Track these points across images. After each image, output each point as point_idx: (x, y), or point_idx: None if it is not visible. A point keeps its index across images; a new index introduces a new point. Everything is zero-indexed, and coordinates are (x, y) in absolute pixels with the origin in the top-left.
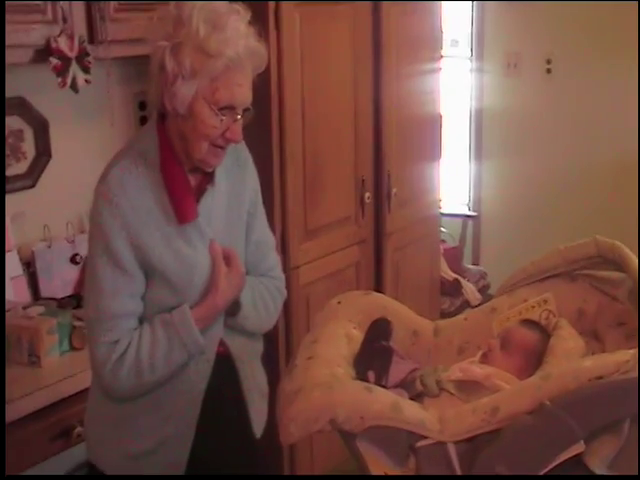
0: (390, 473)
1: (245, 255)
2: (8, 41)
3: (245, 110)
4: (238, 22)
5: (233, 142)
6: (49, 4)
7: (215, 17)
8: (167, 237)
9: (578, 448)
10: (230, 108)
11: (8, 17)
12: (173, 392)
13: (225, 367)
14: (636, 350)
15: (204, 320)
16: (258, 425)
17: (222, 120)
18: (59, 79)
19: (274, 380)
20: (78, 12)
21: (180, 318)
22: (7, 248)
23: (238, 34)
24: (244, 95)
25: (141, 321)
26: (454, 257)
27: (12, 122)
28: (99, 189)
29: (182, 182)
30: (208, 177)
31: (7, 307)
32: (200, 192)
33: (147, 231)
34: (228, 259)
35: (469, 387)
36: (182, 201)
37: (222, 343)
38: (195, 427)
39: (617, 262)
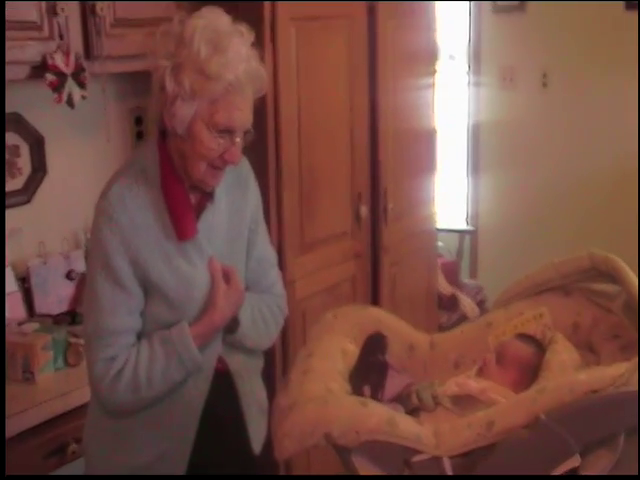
0: None
1: (246, 271)
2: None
3: (246, 132)
4: (240, 45)
5: (231, 164)
6: (45, 20)
7: (217, 39)
8: (166, 254)
9: (574, 462)
10: (229, 131)
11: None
12: (171, 408)
13: (224, 384)
14: (631, 363)
15: (202, 337)
16: (257, 442)
17: (220, 143)
18: (55, 95)
19: (271, 395)
20: (74, 28)
21: (178, 335)
22: None
23: (239, 57)
24: (243, 118)
25: (139, 337)
26: (451, 271)
27: (8, 138)
28: (99, 205)
29: (182, 199)
30: (208, 194)
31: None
32: (200, 209)
33: (147, 248)
34: (227, 276)
35: (465, 401)
36: (182, 218)
37: (221, 360)
38: (192, 443)
39: (611, 275)
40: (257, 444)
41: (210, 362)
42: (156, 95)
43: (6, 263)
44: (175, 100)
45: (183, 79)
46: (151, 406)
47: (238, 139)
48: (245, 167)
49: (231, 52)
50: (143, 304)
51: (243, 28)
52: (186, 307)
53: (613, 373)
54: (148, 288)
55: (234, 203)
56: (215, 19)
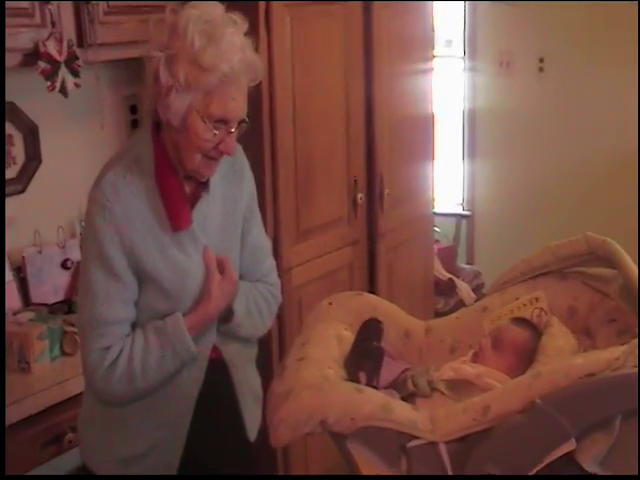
0: (381, 474)
1: (240, 260)
2: None
3: (241, 122)
4: (234, 35)
5: (227, 154)
6: (37, 7)
7: (211, 29)
8: (161, 244)
9: (569, 446)
10: (224, 121)
11: None
12: (165, 397)
13: (219, 372)
14: (627, 347)
15: (197, 327)
16: (252, 429)
17: (215, 134)
18: (48, 83)
19: (267, 383)
20: (67, 15)
21: (173, 325)
22: None
23: (233, 48)
24: (238, 109)
25: (134, 327)
26: (448, 257)
27: None
28: (93, 194)
29: (177, 190)
30: (203, 184)
31: None
32: (195, 199)
33: (140, 237)
34: (221, 266)
35: (461, 386)
36: (176, 209)
37: (215, 349)
38: (187, 432)
39: (608, 259)
40: (252, 431)
41: (205, 352)
42: (150, 86)
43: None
44: (169, 92)
45: (177, 71)
46: (145, 395)
47: (233, 129)
48: (240, 156)
49: (225, 43)
50: (137, 294)
51: (237, 17)
52: (180, 297)
53: (609, 357)
54: (142, 278)
55: (229, 193)
56: (208, 9)
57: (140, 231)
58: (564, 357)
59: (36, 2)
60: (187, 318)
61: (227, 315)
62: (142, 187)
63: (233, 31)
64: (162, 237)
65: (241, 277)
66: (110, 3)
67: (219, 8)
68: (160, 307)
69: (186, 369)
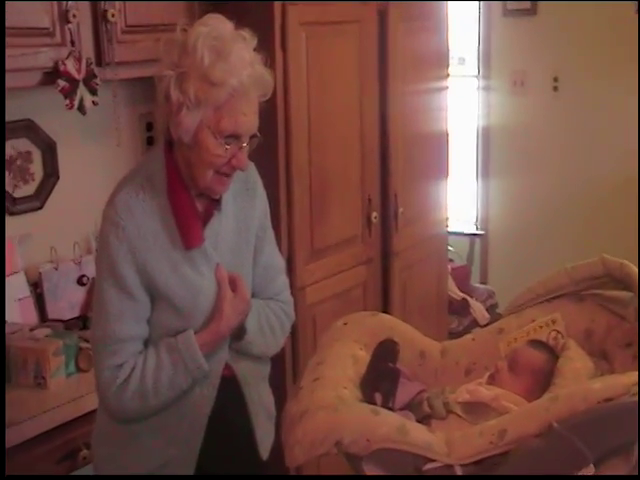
0: None
1: (253, 278)
2: (16, 65)
3: (252, 137)
4: (243, 50)
5: (239, 169)
6: (58, 27)
7: (220, 45)
8: (173, 262)
9: (588, 471)
10: (235, 136)
11: (16, 41)
12: (177, 414)
13: (231, 390)
14: None
15: (208, 345)
16: (264, 447)
17: (227, 149)
18: (66, 101)
19: (281, 401)
20: (86, 34)
21: (184, 343)
22: (15, 269)
23: (242, 62)
24: (249, 123)
25: (147, 344)
26: (462, 276)
27: (20, 144)
28: (106, 212)
29: (189, 207)
30: (215, 202)
31: (14, 329)
32: (207, 217)
33: (153, 256)
34: (234, 284)
35: (477, 409)
36: (188, 227)
37: (228, 366)
38: (199, 449)
39: (625, 281)
40: (264, 450)
41: (217, 369)
42: (161, 105)
43: (16, 268)
44: (180, 109)
45: (188, 88)
46: (157, 413)
47: (245, 144)
48: (253, 174)
49: (234, 58)
50: (150, 311)
51: (246, 33)
52: (193, 315)
53: (627, 381)
54: (155, 295)
55: (241, 210)
56: (217, 26)
57: (152, 249)
58: (581, 380)
59: (57, 21)
60: (199, 336)
61: (239, 333)
62: (155, 205)
63: (242, 46)
64: (174, 255)
65: (253, 295)
66: (128, 22)
67: (228, 25)
68: (172, 325)
69: (198, 386)
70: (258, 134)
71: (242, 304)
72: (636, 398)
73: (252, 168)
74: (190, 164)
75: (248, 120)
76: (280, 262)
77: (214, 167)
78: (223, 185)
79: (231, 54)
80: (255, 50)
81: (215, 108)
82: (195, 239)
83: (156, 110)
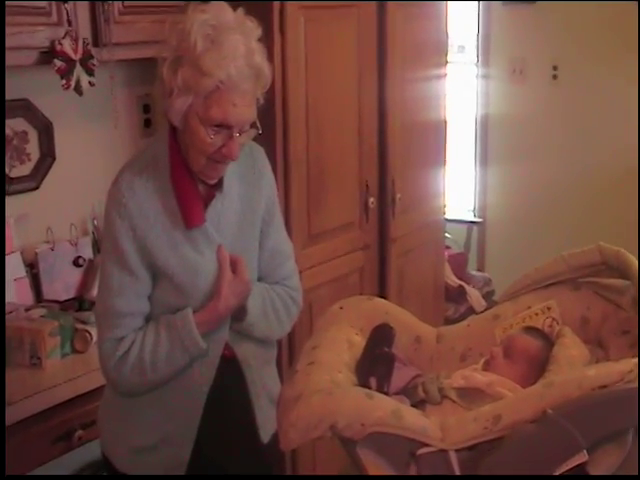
0: None
1: (259, 263)
2: (13, 43)
3: (252, 126)
4: (238, 41)
5: (229, 159)
6: (54, 6)
7: (214, 34)
8: (174, 241)
9: (581, 458)
10: (225, 126)
11: (13, 19)
12: (176, 390)
13: (232, 370)
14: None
15: (206, 324)
16: (266, 431)
17: (212, 137)
18: (63, 81)
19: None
20: (83, 15)
21: (182, 321)
22: (10, 249)
23: (234, 54)
24: (239, 115)
25: (148, 320)
26: (459, 263)
27: (16, 124)
28: (111, 191)
29: (190, 188)
30: (217, 184)
31: (9, 309)
32: (210, 198)
33: (154, 234)
34: (235, 266)
35: (471, 394)
36: (189, 207)
37: (228, 347)
38: (197, 428)
39: (621, 269)
40: (266, 433)
41: (216, 348)
42: (157, 86)
43: (12, 248)
44: (171, 93)
45: (179, 73)
46: (157, 388)
47: (237, 134)
48: (261, 157)
49: (226, 48)
50: (151, 288)
51: (251, 23)
52: (192, 294)
53: (622, 369)
54: (156, 273)
55: (246, 194)
56: (219, 13)
57: (154, 228)
58: (576, 367)
59: (53, 1)
60: (197, 314)
61: (240, 314)
62: (158, 185)
63: (238, 37)
64: (175, 234)
65: (260, 279)
66: (125, 3)
67: (229, 13)
68: (173, 302)
69: (197, 364)
70: (258, 125)
71: (241, 285)
72: (630, 385)
73: (260, 152)
74: (186, 148)
75: (238, 111)
76: (289, 248)
77: (205, 154)
78: (216, 171)
79: (224, 44)
80: (259, 40)
81: (204, 96)
82: (196, 219)
83: (156, 91)
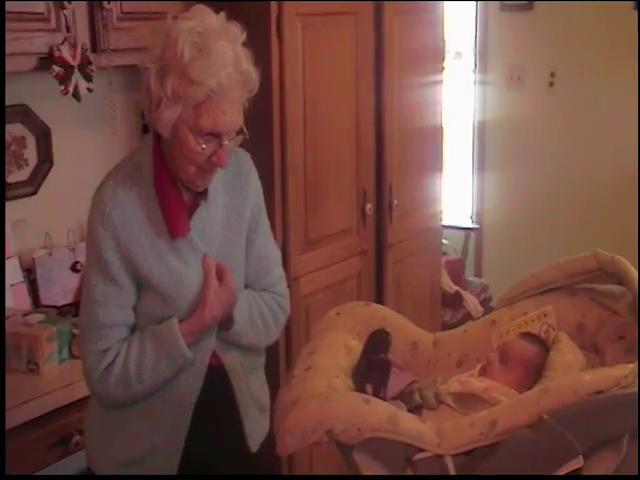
0: None
1: (246, 270)
2: (11, 49)
3: (238, 133)
4: (226, 48)
5: (219, 167)
6: (53, 12)
7: (201, 42)
8: (158, 251)
9: (577, 463)
10: (215, 135)
11: (11, 25)
12: (163, 402)
13: (219, 379)
14: (636, 364)
15: (192, 334)
16: (254, 439)
17: (204, 147)
18: (61, 87)
19: (274, 391)
20: (81, 21)
21: (167, 331)
22: (7, 255)
23: (223, 61)
24: (229, 122)
25: (133, 330)
26: (456, 269)
27: (14, 129)
28: (94, 200)
29: (174, 197)
30: (202, 192)
31: (7, 314)
32: (194, 207)
33: (138, 244)
34: (220, 274)
35: (468, 400)
36: (174, 216)
37: (216, 356)
38: (184, 438)
39: (617, 276)
40: (254, 441)
41: (202, 358)
42: (143, 96)
43: (9, 254)
44: (160, 104)
45: (167, 83)
46: (142, 399)
47: (226, 142)
48: (246, 165)
49: (214, 56)
50: (135, 299)
51: (235, 27)
52: (177, 303)
53: (618, 374)
54: (140, 283)
55: (232, 202)
56: (203, 20)
57: (137, 237)
58: (572, 373)
59: (52, 6)
60: (183, 324)
61: (227, 323)
62: (141, 194)
63: (225, 44)
64: (159, 244)
65: (247, 286)
66: (124, 9)
67: (214, 19)
68: (158, 312)
69: (183, 374)
70: (245, 130)
71: (227, 294)
72: (626, 391)
73: (246, 158)
74: (173, 157)
75: (228, 119)
76: (275, 254)
77: (194, 163)
78: (205, 180)
79: (212, 52)
80: (244, 44)
81: (194, 106)
82: (180, 228)
83: (142, 100)
